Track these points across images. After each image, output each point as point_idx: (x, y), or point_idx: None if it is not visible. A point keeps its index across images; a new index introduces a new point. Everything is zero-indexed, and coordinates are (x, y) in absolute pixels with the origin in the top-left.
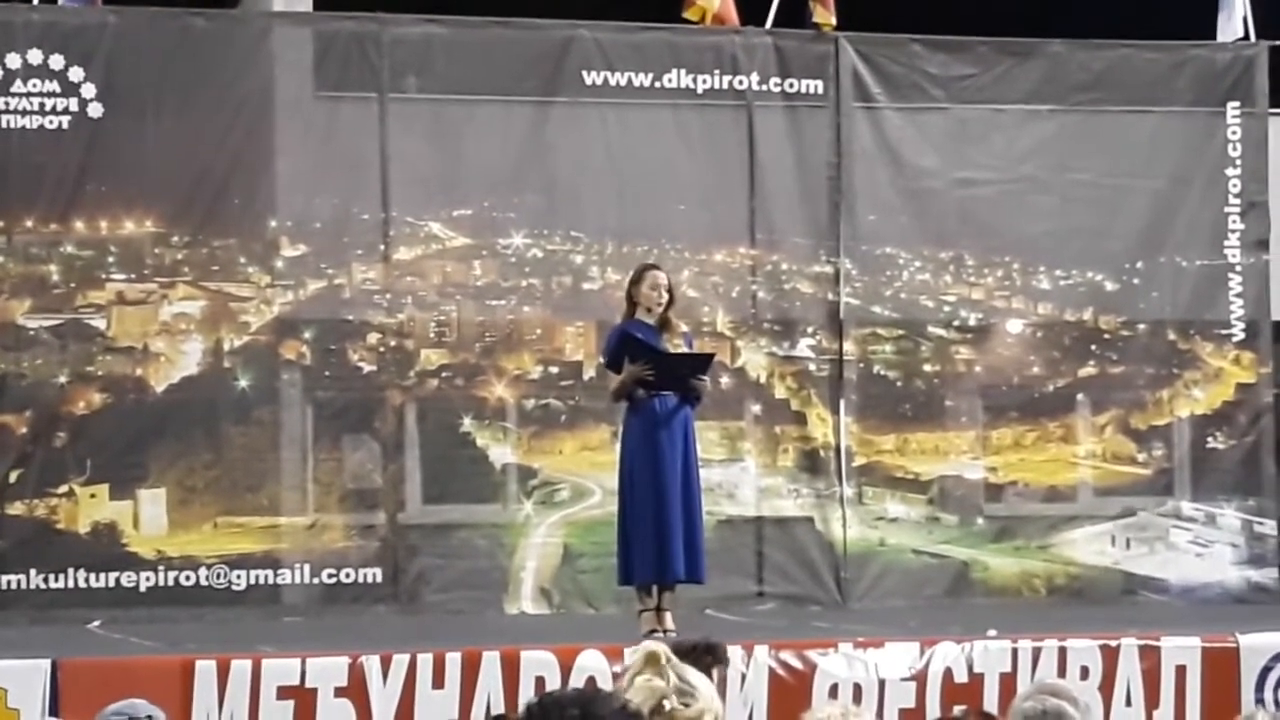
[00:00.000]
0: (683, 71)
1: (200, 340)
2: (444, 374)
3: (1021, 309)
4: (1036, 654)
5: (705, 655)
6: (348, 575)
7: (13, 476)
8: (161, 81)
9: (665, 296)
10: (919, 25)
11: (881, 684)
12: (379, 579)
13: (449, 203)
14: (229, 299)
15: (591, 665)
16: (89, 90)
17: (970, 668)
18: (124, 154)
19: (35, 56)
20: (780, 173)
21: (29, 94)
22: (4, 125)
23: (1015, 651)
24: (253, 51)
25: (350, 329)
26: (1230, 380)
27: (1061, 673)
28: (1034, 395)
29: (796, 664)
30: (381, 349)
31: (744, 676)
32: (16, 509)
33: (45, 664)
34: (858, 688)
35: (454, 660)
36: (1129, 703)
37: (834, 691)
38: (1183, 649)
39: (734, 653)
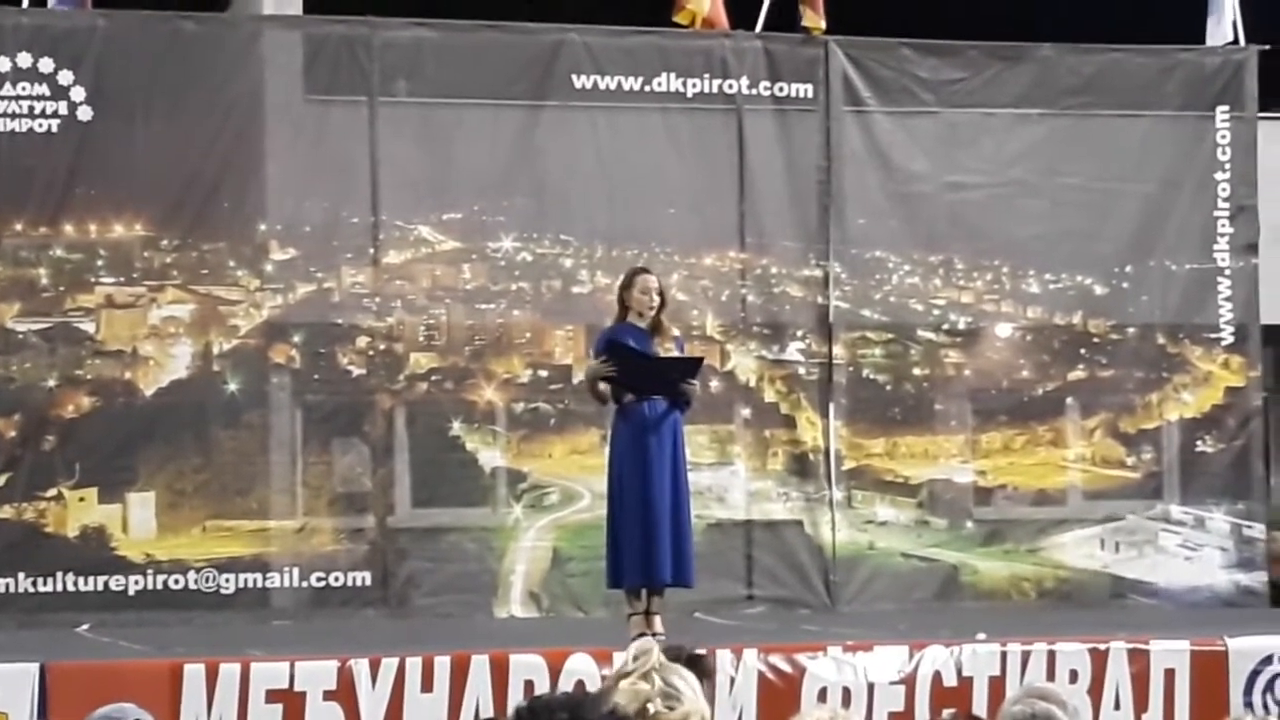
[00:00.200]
0: (672, 75)
1: (189, 344)
2: (433, 377)
3: (1011, 313)
4: (1025, 657)
5: (690, 668)
6: (337, 579)
7: (1, 480)
8: (151, 85)
9: (656, 301)
10: (908, 29)
11: (870, 687)
12: (368, 582)
13: (438, 206)
14: (218, 302)
15: (580, 669)
16: (78, 93)
17: (959, 671)
18: (113, 157)
19: (25, 59)
20: (770, 176)
21: (18, 97)
22: None
23: (1004, 655)
24: (243, 55)
25: (340, 332)
26: (1219, 384)
27: (1050, 676)
28: (1023, 399)
29: (785, 667)
30: (371, 352)
31: (733, 680)
32: (5, 512)
33: (34, 667)
34: (847, 691)
35: (443, 664)
36: (1118, 706)
37: (823, 695)
38: (1172, 652)
39: (723, 656)
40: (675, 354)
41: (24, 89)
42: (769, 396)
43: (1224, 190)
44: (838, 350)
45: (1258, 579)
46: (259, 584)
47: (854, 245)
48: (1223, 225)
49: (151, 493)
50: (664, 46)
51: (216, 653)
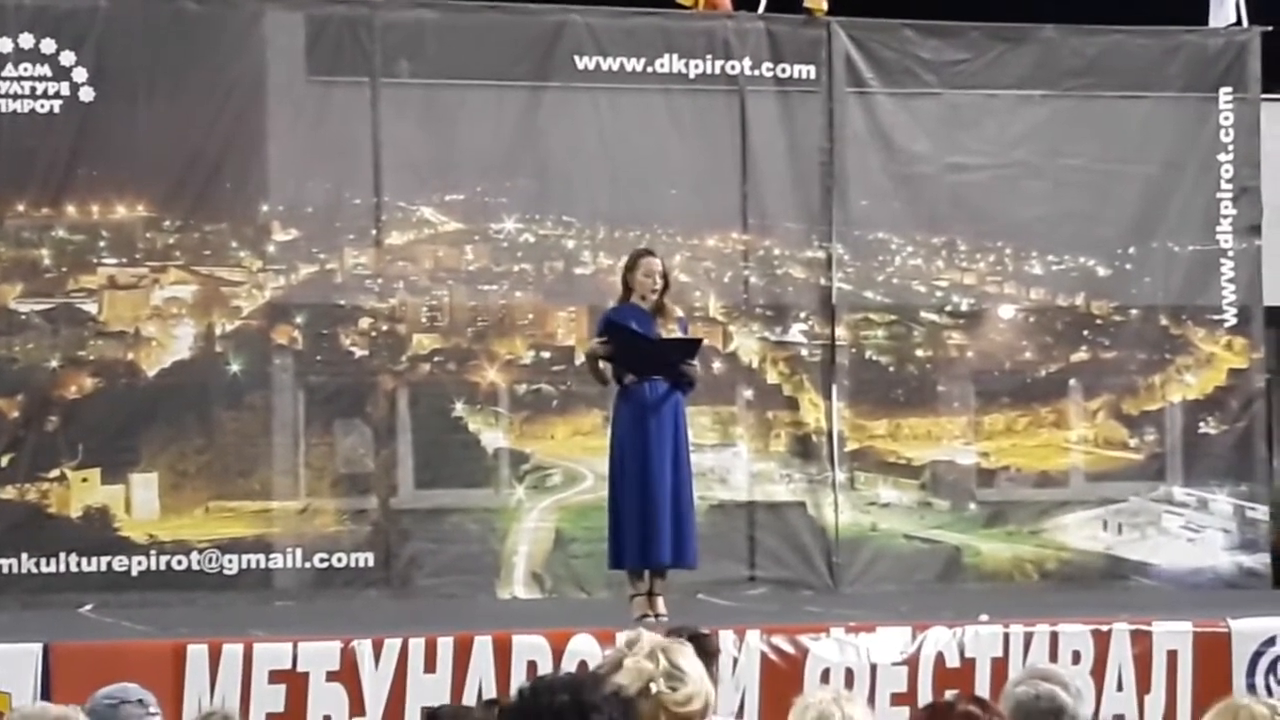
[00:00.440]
0: (675, 56)
1: (192, 325)
2: (436, 359)
3: (1014, 294)
4: (1028, 639)
5: (694, 647)
6: (339, 560)
7: (4, 460)
8: (153, 65)
9: (659, 283)
10: (911, 10)
11: (873, 668)
12: (371, 563)
13: (441, 187)
14: (220, 283)
15: (583, 650)
16: (80, 74)
17: (962, 653)
18: (115, 138)
19: (27, 40)
20: (772, 158)
21: (20, 78)
22: None
23: (1007, 636)
24: (244, 36)
25: (342, 314)
26: (1222, 365)
27: (1053, 658)
28: (1026, 380)
29: (788, 649)
30: (373, 334)
31: (736, 661)
32: (8, 493)
33: (37, 648)
34: (849, 672)
35: (446, 645)
36: (1120, 687)
37: (826, 676)
38: (1174, 634)
39: (726, 637)
40: (678, 335)
41: (26, 70)
42: (771, 378)
43: (1227, 172)
44: (840, 332)
45: (1260, 560)
46: (262, 565)
47: (856, 227)
48: (1225, 207)
49: (154, 473)
50: (666, 27)
51: (219, 633)
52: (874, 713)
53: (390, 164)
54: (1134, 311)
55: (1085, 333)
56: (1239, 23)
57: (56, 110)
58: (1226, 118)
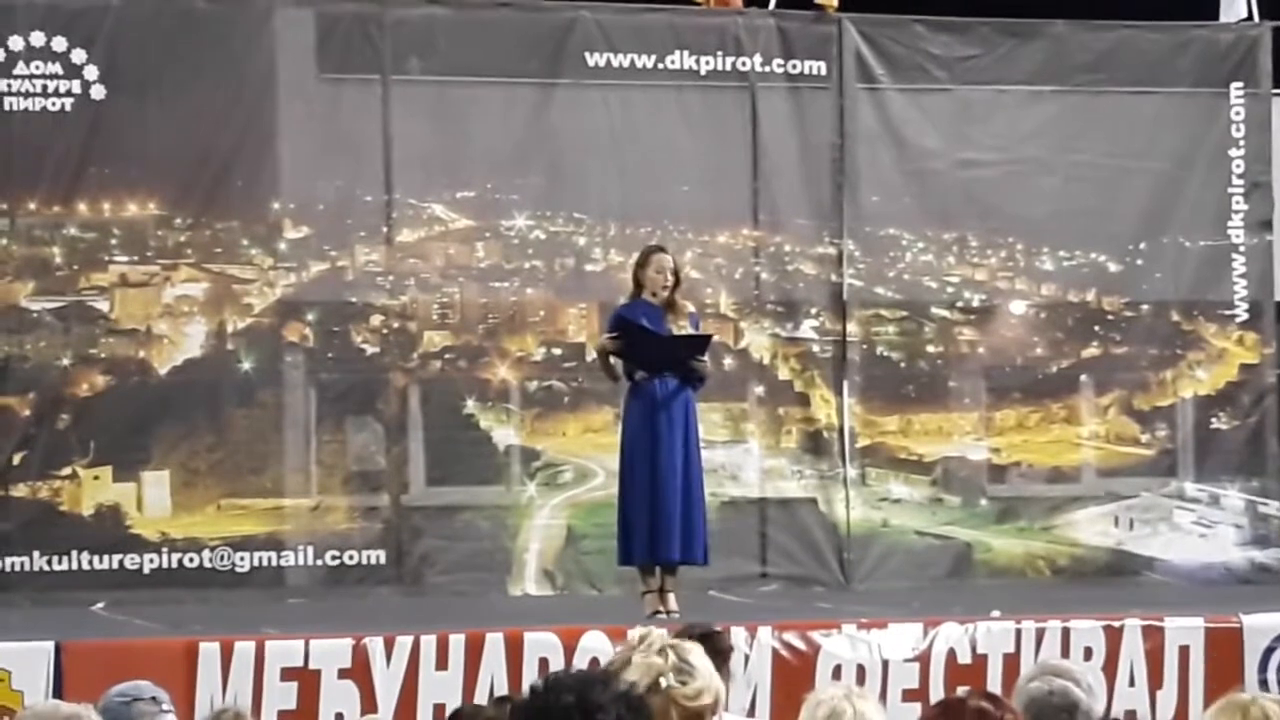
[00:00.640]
0: (685, 53)
1: (203, 322)
2: (447, 356)
3: (1025, 290)
4: (1040, 635)
5: (705, 645)
6: (351, 557)
7: (16, 459)
8: (164, 63)
9: (670, 279)
10: (921, 6)
11: (885, 665)
12: (382, 561)
13: (452, 184)
14: (232, 281)
15: (595, 646)
16: (91, 72)
17: (974, 649)
18: (127, 136)
19: (38, 38)
20: (783, 154)
21: (31, 76)
22: (7, 108)
23: (1019, 632)
24: (255, 34)
25: (353, 311)
26: (1233, 361)
27: (1065, 653)
28: (1037, 376)
29: (800, 645)
30: (384, 331)
31: (747, 658)
32: (20, 491)
33: (49, 646)
34: (861, 669)
35: (458, 642)
36: (1132, 683)
37: (837, 673)
38: (1186, 630)
39: (737, 634)
40: (688, 331)
41: (37, 68)
42: (783, 374)
43: (1238, 167)
44: (851, 328)
45: (1272, 556)
46: (273, 562)
47: (867, 223)
48: (1237, 202)
49: (166, 471)
50: (677, 24)
51: (231, 631)
52: (886, 709)
53: (401, 161)
54: (1145, 307)
55: (1096, 328)
56: (1250, 17)
57: (68, 108)
58: (1238, 113)
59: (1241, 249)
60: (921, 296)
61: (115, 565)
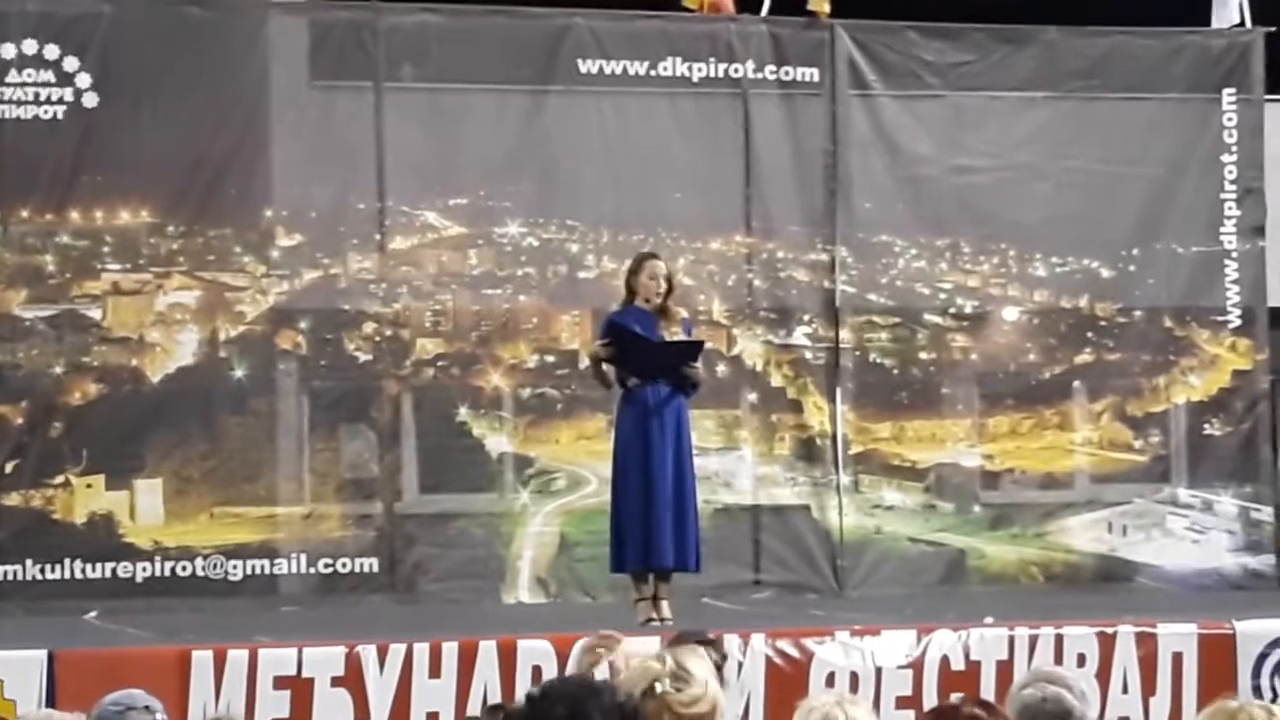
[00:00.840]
0: (678, 60)
1: (196, 330)
2: (440, 363)
3: (1017, 296)
4: (1033, 641)
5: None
6: (344, 565)
7: (9, 467)
8: (157, 71)
9: (664, 286)
10: (914, 12)
11: (878, 672)
12: (375, 569)
13: (445, 192)
14: (224, 289)
15: None
16: (84, 80)
17: (967, 655)
18: (119, 144)
19: (30, 46)
20: (776, 160)
21: (24, 84)
22: None
23: (1012, 639)
24: (248, 41)
25: (346, 318)
26: (1226, 367)
27: (1058, 660)
28: (1030, 382)
29: (793, 652)
30: (377, 338)
31: (740, 665)
32: (13, 499)
33: (42, 655)
34: (854, 676)
35: (451, 650)
36: (1126, 690)
37: (831, 680)
38: (1179, 636)
39: (731, 641)
40: (681, 337)
41: (29, 76)
42: (776, 381)
43: (1230, 173)
44: (844, 334)
45: (1266, 562)
46: (266, 570)
47: (860, 229)
48: (1229, 208)
49: (159, 479)
50: (670, 31)
51: (224, 639)
52: (879, 716)
53: (394, 168)
54: (1138, 313)
55: (1089, 334)
56: (1242, 24)
57: (60, 116)
58: (1230, 119)
59: (1234, 255)
60: (914, 303)
61: (108, 574)
